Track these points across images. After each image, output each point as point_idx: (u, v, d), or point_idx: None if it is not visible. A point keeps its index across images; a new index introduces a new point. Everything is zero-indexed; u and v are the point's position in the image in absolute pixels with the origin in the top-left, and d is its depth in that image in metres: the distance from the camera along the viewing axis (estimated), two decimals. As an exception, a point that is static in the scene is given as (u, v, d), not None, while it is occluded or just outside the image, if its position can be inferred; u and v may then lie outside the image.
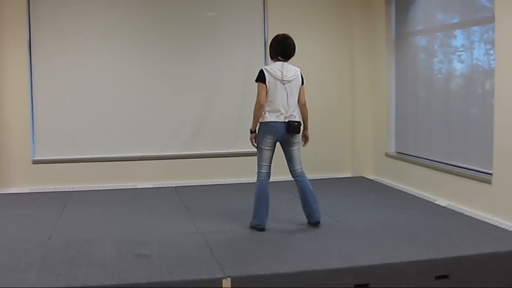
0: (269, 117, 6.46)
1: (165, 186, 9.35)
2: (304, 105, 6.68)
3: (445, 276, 5.37)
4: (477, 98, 7.54)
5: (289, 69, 6.53)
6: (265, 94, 6.44)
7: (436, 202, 7.89)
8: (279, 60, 6.56)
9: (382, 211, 7.51)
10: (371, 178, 9.88)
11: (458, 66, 8.00)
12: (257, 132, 6.62)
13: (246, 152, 9.55)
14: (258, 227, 6.52)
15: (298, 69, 6.65)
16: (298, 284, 5.08)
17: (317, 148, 9.93)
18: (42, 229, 6.72)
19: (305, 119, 6.74)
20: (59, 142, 9.32)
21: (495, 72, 6.82)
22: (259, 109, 6.48)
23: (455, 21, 8.10)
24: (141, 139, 9.51)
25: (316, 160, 9.97)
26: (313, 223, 6.69)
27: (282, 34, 6.69)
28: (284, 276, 5.08)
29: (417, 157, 8.78)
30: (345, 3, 10.02)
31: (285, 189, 8.63)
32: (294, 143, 6.62)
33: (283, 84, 6.44)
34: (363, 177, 9.99)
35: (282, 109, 6.44)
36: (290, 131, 6.47)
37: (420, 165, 8.58)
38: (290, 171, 6.74)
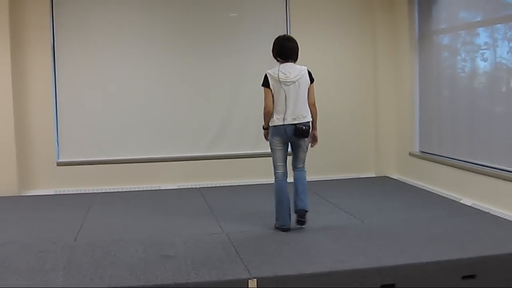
0: (276, 121, 6.46)
1: (189, 187, 9.37)
2: (313, 105, 6.61)
3: (472, 276, 5.34)
4: (502, 96, 7.47)
5: (293, 70, 6.48)
6: (271, 98, 6.44)
7: (461, 202, 7.84)
8: (282, 61, 6.56)
9: (407, 211, 7.47)
10: (395, 178, 9.83)
11: (481, 64, 7.94)
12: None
13: (267, 153, 9.57)
14: (282, 228, 6.51)
15: (304, 68, 6.58)
16: (324, 285, 5.07)
17: (340, 148, 9.94)
18: (68, 230, 6.76)
19: (314, 119, 6.65)
20: (83, 144, 9.38)
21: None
22: (267, 114, 6.51)
23: (478, 19, 8.04)
24: (165, 140, 9.53)
25: (340, 160, 9.97)
26: (296, 210, 6.60)
27: (284, 35, 6.75)
28: (310, 277, 5.08)
29: (442, 156, 8.72)
30: (368, 2, 9.99)
31: (310, 190, 8.61)
32: (303, 146, 6.59)
33: (287, 85, 6.40)
34: (387, 176, 9.95)
35: (287, 112, 6.40)
36: (297, 135, 6.43)
37: (445, 165, 8.53)
38: (292, 165, 6.72)
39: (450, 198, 8.09)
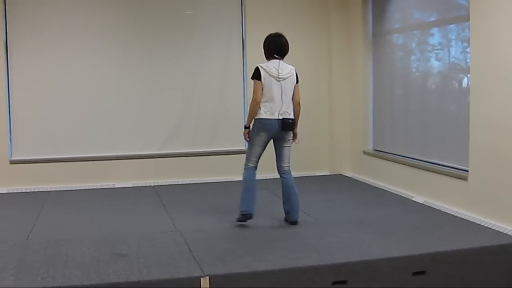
0: (263, 114, 6.54)
1: (144, 185, 9.34)
2: (299, 103, 6.78)
3: (422, 272, 5.41)
4: (454, 95, 7.60)
5: (285, 67, 6.64)
6: (261, 91, 6.52)
7: (413, 199, 7.95)
8: (275, 58, 6.66)
9: (360, 208, 7.56)
10: (349, 175, 9.92)
11: (435, 64, 8.06)
12: (251, 128, 6.68)
13: (224, 150, 9.64)
14: (245, 214, 6.60)
15: (293, 67, 6.75)
16: (276, 282, 5.09)
17: (295, 146, 9.88)
18: (20, 229, 6.69)
19: (296, 117, 6.78)
20: (37, 142, 9.27)
21: (470, 70, 6.88)
22: (255, 105, 6.54)
23: (432, 19, 8.15)
24: (119, 138, 9.48)
25: (294, 158, 9.89)
26: (291, 222, 6.73)
27: (275, 33, 6.79)
28: (263, 274, 5.10)
29: (395, 154, 8.84)
30: (322, 2, 10.06)
31: (265, 187, 8.66)
32: (287, 140, 6.72)
33: (278, 81, 6.53)
34: (341, 174, 10.04)
35: (276, 106, 6.53)
36: (284, 128, 6.56)
37: (398, 162, 8.64)
38: (277, 167, 6.81)
39: (403, 195, 8.20)
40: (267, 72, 6.53)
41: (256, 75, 6.56)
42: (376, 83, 9.43)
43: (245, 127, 6.75)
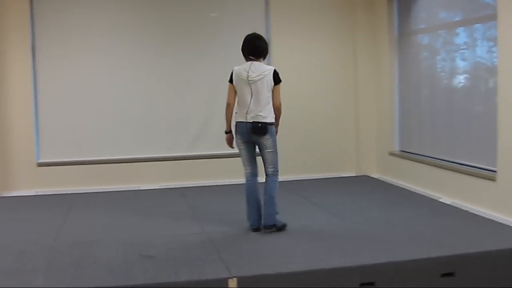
0: (237, 117, 6.48)
1: (170, 187, 9.36)
2: (278, 108, 6.45)
3: (450, 274, 5.37)
4: (481, 95, 7.53)
5: (257, 69, 6.37)
6: (233, 94, 6.48)
7: (441, 200, 7.89)
8: (250, 59, 6.48)
9: (386, 210, 7.51)
10: (375, 177, 9.87)
11: (461, 64, 8.00)
12: (233, 132, 6.62)
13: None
14: (252, 229, 6.50)
15: (270, 68, 6.44)
16: (304, 284, 5.09)
17: (321, 147, 9.97)
18: (48, 231, 6.74)
19: (277, 118, 6.52)
20: (64, 144, 9.34)
21: (498, 69, 6.83)
22: (226, 108, 6.55)
23: (458, 19, 8.10)
24: (146, 141, 9.52)
25: (321, 159, 9.99)
26: (262, 226, 6.47)
27: (251, 34, 6.60)
28: (290, 276, 5.09)
29: (421, 155, 8.78)
30: (348, 2, 10.02)
31: (291, 189, 8.67)
32: (265, 145, 6.42)
33: (249, 84, 6.33)
34: (367, 176, 9.99)
35: (247, 109, 6.36)
36: (253, 132, 6.34)
37: (425, 163, 8.58)
38: (264, 171, 6.59)
39: (430, 196, 8.14)
40: (237, 75, 6.42)
41: (230, 78, 6.51)
42: (402, 84, 9.38)
43: (225, 132, 6.71)
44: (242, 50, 6.57)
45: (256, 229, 6.46)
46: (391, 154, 9.56)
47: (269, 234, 6.38)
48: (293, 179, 9.58)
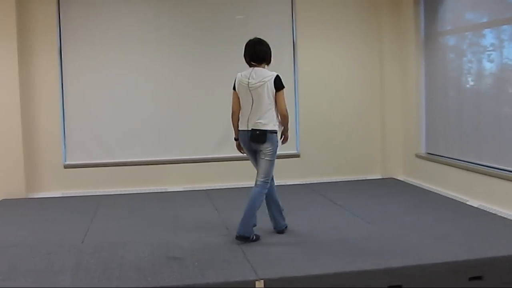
0: (239, 125, 6.38)
1: (196, 189, 9.38)
2: (284, 115, 6.26)
3: (478, 278, 5.32)
4: (508, 97, 7.46)
5: (258, 75, 6.22)
6: (237, 101, 6.35)
7: (468, 203, 7.83)
8: (251, 65, 6.34)
9: (413, 213, 7.46)
10: (402, 179, 9.82)
11: (488, 66, 7.93)
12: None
13: (277, 154, 9.63)
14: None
15: (271, 74, 6.26)
16: (331, 286, 5.07)
17: (347, 150, 9.95)
18: (75, 232, 6.79)
19: (284, 127, 6.39)
20: (90, 146, 9.41)
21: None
22: (232, 116, 6.44)
23: (484, 20, 8.04)
24: (172, 142, 9.55)
25: (346, 161, 9.97)
26: (236, 235, 6.20)
27: (254, 39, 6.45)
28: (317, 278, 5.08)
29: (448, 157, 8.72)
30: (374, 4, 9.99)
31: (316, 191, 8.66)
32: (264, 153, 6.25)
33: (250, 90, 6.19)
34: (393, 178, 9.94)
35: (247, 117, 6.24)
36: (252, 140, 6.21)
37: (451, 166, 8.52)
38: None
39: (457, 199, 8.08)
40: (239, 82, 6.29)
41: (234, 84, 6.39)
42: (429, 86, 9.33)
43: (234, 139, 6.58)
44: (244, 56, 6.40)
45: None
46: (418, 156, 9.50)
47: (295, 235, 6.37)
48: (319, 181, 9.58)
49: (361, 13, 10.01)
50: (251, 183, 9.32)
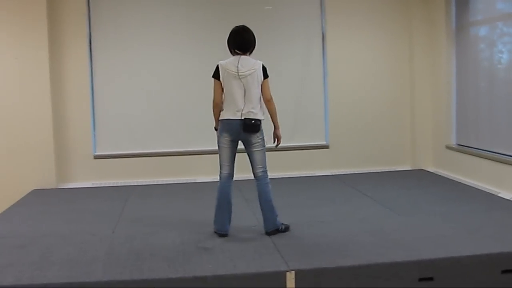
0: (225, 114, 6.13)
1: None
2: (269, 100, 6.16)
3: (511, 271, 5.26)
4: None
5: (246, 63, 6.08)
6: (220, 91, 6.13)
7: (499, 195, 7.75)
8: (236, 53, 6.16)
9: (444, 204, 7.40)
10: (431, 171, 9.75)
11: (520, 56, 7.86)
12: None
13: (305, 145, 9.60)
14: (219, 233, 6.13)
15: (258, 62, 6.16)
16: (362, 278, 5.05)
17: (376, 141, 9.91)
18: (106, 222, 6.85)
19: (272, 115, 6.26)
20: (120, 137, 9.48)
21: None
22: (215, 107, 6.22)
23: (517, 9, 7.96)
24: (201, 133, 9.52)
25: (375, 153, 9.92)
26: (265, 232, 6.14)
27: (238, 26, 6.27)
28: (348, 269, 5.07)
29: (479, 149, 8.63)
30: (404, -6, 9.94)
31: (345, 182, 8.65)
32: (254, 143, 6.16)
33: (239, 79, 6.02)
34: (423, 169, 9.87)
35: (238, 106, 6.03)
36: (245, 130, 6.04)
37: (483, 158, 8.44)
38: (252, 173, 6.33)
39: (488, 191, 8.00)
40: (226, 70, 6.07)
41: (215, 73, 6.16)
42: (460, 76, 9.24)
43: (215, 129, 6.38)
44: (228, 43, 6.24)
45: (223, 234, 6.09)
46: (448, 147, 9.42)
47: (325, 227, 6.36)
48: (348, 172, 9.56)
49: (391, 4, 9.94)
50: (281, 174, 9.41)
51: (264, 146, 6.24)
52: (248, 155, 6.28)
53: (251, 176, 9.19)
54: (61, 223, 6.92)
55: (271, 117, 6.27)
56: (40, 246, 5.87)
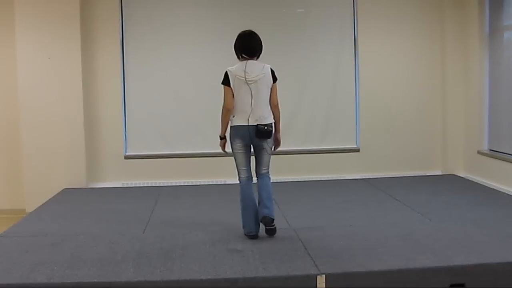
0: (236, 121, 6.14)
1: (254, 182, 9.35)
2: (276, 106, 6.21)
3: (544, 278, 5.22)
4: None
5: (254, 68, 6.11)
6: (231, 97, 6.12)
7: (532, 202, 7.68)
8: (244, 58, 6.20)
9: (475, 210, 7.32)
10: (463, 176, 9.66)
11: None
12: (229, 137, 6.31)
13: (336, 148, 9.56)
14: (249, 235, 6.11)
15: (266, 66, 6.21)
16: (393, 283, 5.03)
17: (407, 145, 9.84)
18: (136, 223, 6.88)
19: (276, 121, 6.28)
20: (150, 138, 9.51)
21: None
22: (226, 114, 6.20)
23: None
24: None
25: (406, 157, 9.86)
26: (261, 219, 6.06)
27: (245, 31, 6.30)
28: (379, 274, 5.05)
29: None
30: (436, -3, 9.87)
31: (375, 186, 8.60)
32: (266, 148, 6.21)
33: (248, 84, 6.05)
34: (454, 174, 9.78)
35: (248, 112, 6.06)
36: (258, 136, 6.07)
37: (515, 163, 8.37)
38: (256, 171, 6.36)
39: (521, 198, 7.94)
40: (235, 76, 6.09)
41: (225, 80, 6.16)
42: (493, 81, 9.14)
43: (220, 138, 6.41)
44: (235, 48, 6.28)
45: (254, 236, 6.08)
46: (480, 153, 9.33)
47: (355, 230, 6.32)
48: (378, 176, 9.51)
49: (424, 7, 9.86)
50: (310, 177, 9.39)
51: (272, 150, 6.34)
52: (256, 156, 6.34)
53: (283, 179, 9.16)
54: (91, 222, 6.96)
55: (275, 122, 6.30)
56: (71, 245, 5.92)
